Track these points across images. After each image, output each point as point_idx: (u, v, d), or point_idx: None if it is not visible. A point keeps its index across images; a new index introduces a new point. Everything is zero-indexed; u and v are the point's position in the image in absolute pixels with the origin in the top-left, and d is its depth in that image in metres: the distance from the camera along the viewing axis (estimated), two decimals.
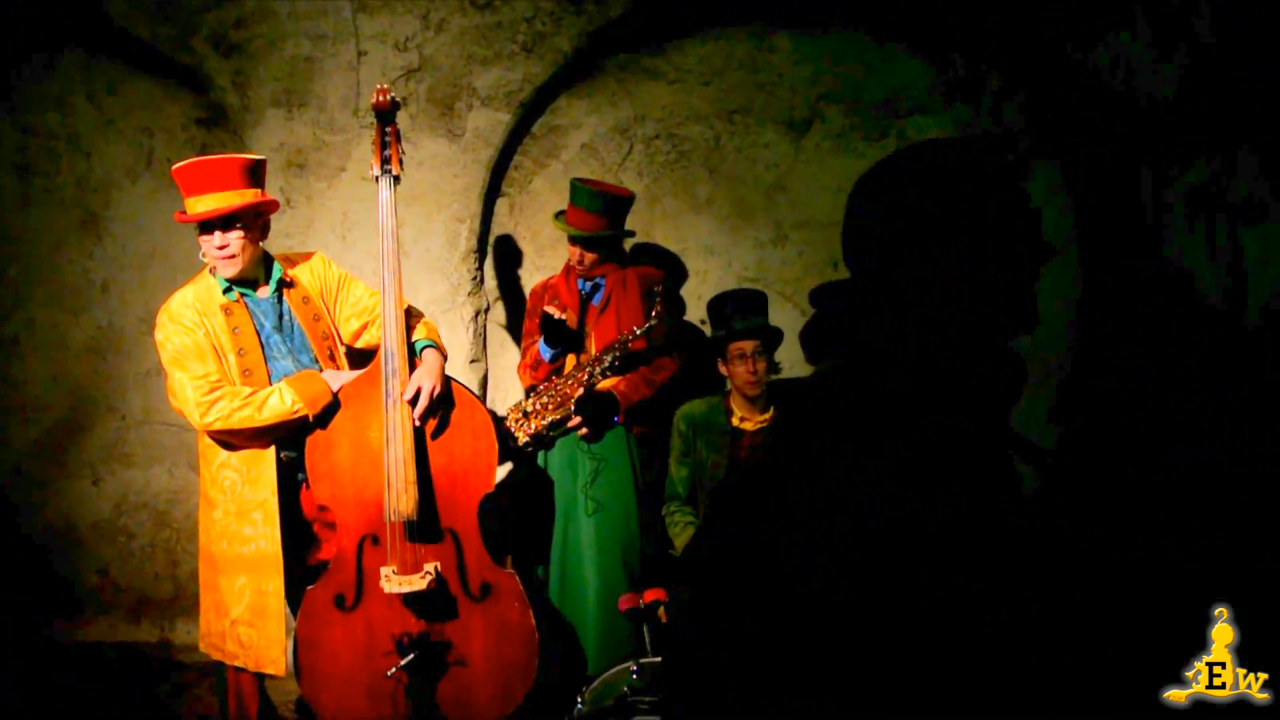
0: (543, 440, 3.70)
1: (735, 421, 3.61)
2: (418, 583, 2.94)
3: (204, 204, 2.93)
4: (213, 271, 3.05)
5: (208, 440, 3.05)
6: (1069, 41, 3.98)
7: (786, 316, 4.23)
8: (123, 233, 4.49)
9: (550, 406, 3.65)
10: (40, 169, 4.48)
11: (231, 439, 3.00)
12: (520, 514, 3.74)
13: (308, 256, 3.25)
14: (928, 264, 3.57)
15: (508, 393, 4.38)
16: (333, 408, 3.01)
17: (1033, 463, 4.30)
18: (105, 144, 4.46)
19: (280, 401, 2.92)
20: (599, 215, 3.66)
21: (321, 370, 3.08)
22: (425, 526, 3.00)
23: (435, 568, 2.98)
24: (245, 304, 3.05)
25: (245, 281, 3.07)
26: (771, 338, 3.61)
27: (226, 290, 3.04)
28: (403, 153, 3.05)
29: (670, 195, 4.39)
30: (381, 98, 2.96)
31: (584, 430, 3.64)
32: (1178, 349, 4.10)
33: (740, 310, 3.60)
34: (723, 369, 3.64)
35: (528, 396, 3.73)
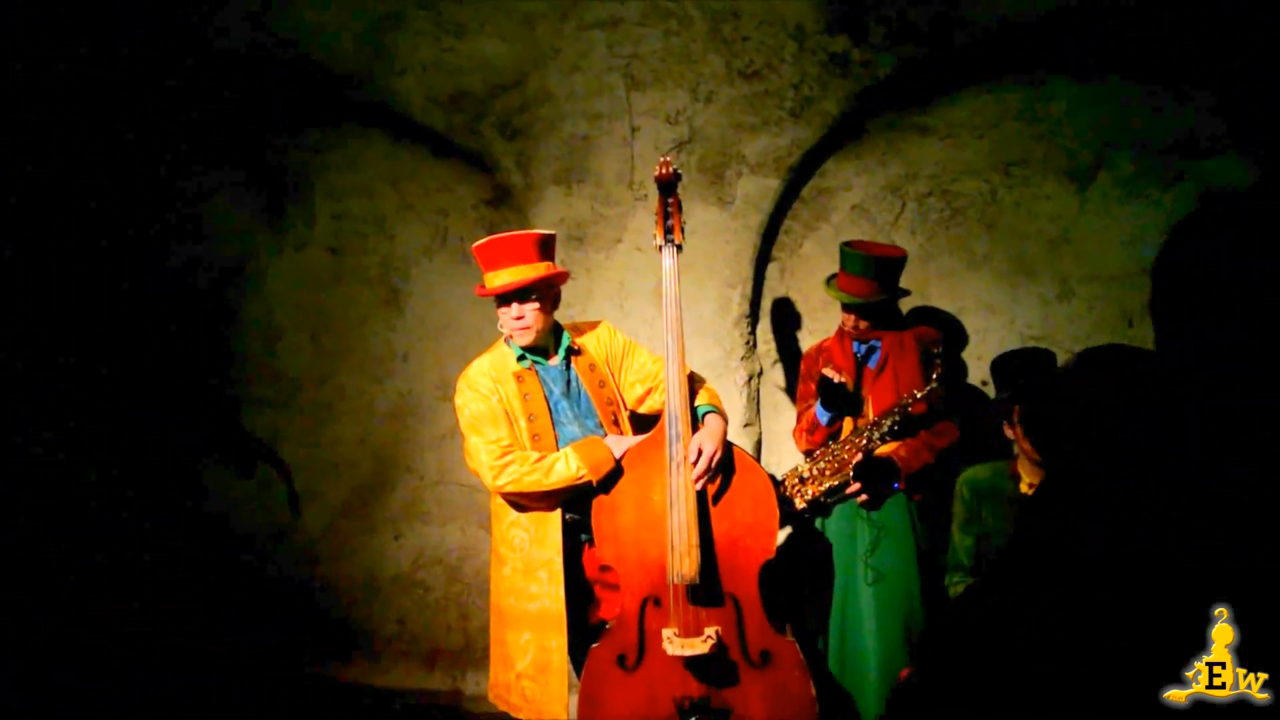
0: (820, 506, 3.65)
1: (1024, 488, 3.42)
2: (700, 646, 2.96)
3: (501, 278, 3.12)
4: (508, 341, 3.24)
5: (499, 500, 3.22)
6: None
7: None
8: (420, 307, 4.85)
9: (828, 472, 3.61)
10: (349, 249, 4.92)
11: (521, 500, 3.15)
12: (800, 581, 3.70)
13: (594, 325, 3.39)
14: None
15: (782, 457, 4.36)
16: (616, 473, 3.09)
17: None
18: (405, 225, 4.85)
19: (566, 467, 3.04)
20: (870, 279, 3.61)
21: (606, 435, 3.19)
22: (707, 590, 3.02)
23: (716, 632, 2.99)
24: (536, 372, 3.21)
25: (537, 350, 3.23)
26: None
27: (520, 358, 3.21)
28: (684, 222, 3.13)
29: (945, 253, 4.27)
30: (664, 170, 3.07)
31: (863, 497, 3.57)
32: None
33: (1028, 370, 3.44)
34: (1009, 432, 3.47)
35: (805, 462, 3.70)
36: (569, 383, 3.24)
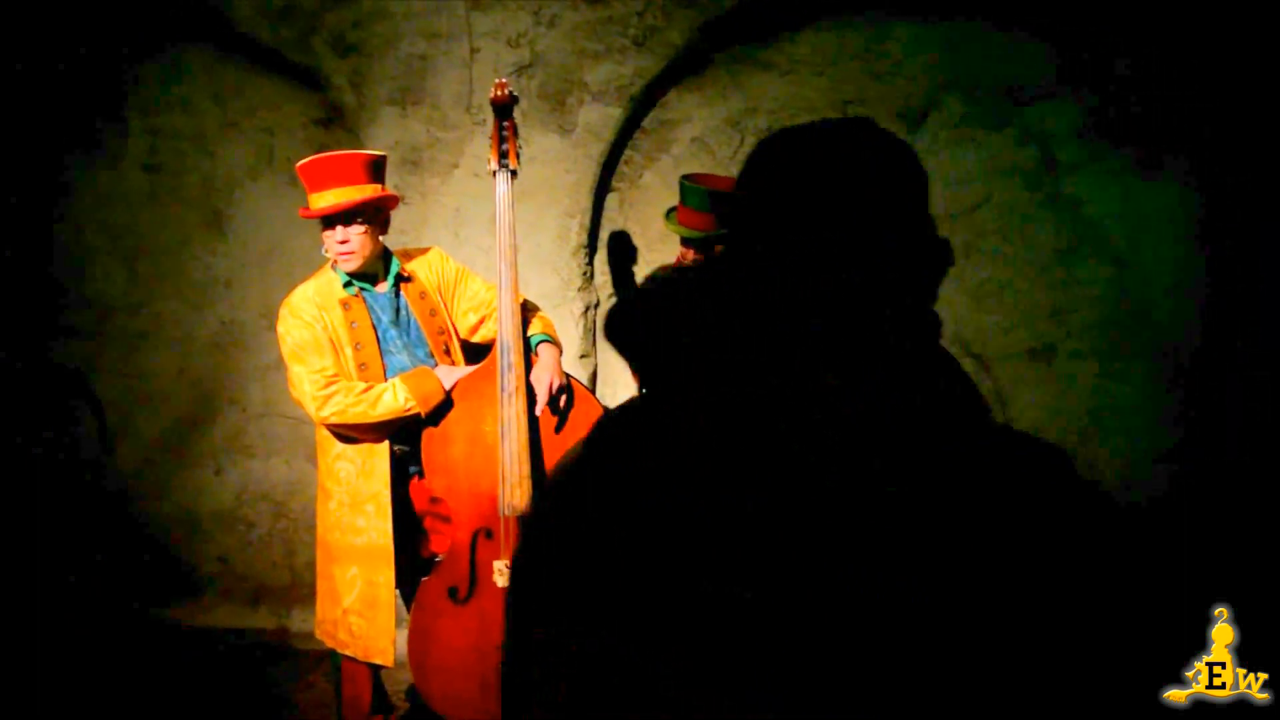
0: None
1: None
2: None
3: (326, 199, 2.98)
4: (334, 266, 3.10)
5: (325, 432, 3.11)
6: (1205, 26, 3.80)
7: None
8: (245, 230, 4.61)
9: None
10: (168, 168, 4.62)
11: (347, 432, 3.05)
12: None
13: (425, 251, 3.29)
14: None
15: (617, 389, 4.37)
16: (446, 405, 3.02)
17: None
18: (228, 144, 4.58)
19: (394, 398, 2.95)
20: (709, 213, 3.61)
21: (437, 365, 3.11)
22: None
23: None
24: (364, 299, 3.10)
25: (364, 276, 3.11)
26: None
27: (346, 285, 3.09)
28: (520, 147, 3.05)
29: None
30: (500, 92, 2.98)
31: None
32: None
33: None
34: None
35: (639, 394, 3.70)
36: (398, 310, 3.14)
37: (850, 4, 4.10)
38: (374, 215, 3.07)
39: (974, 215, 4.21)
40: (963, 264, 4.23)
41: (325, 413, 2.97)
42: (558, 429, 3.05)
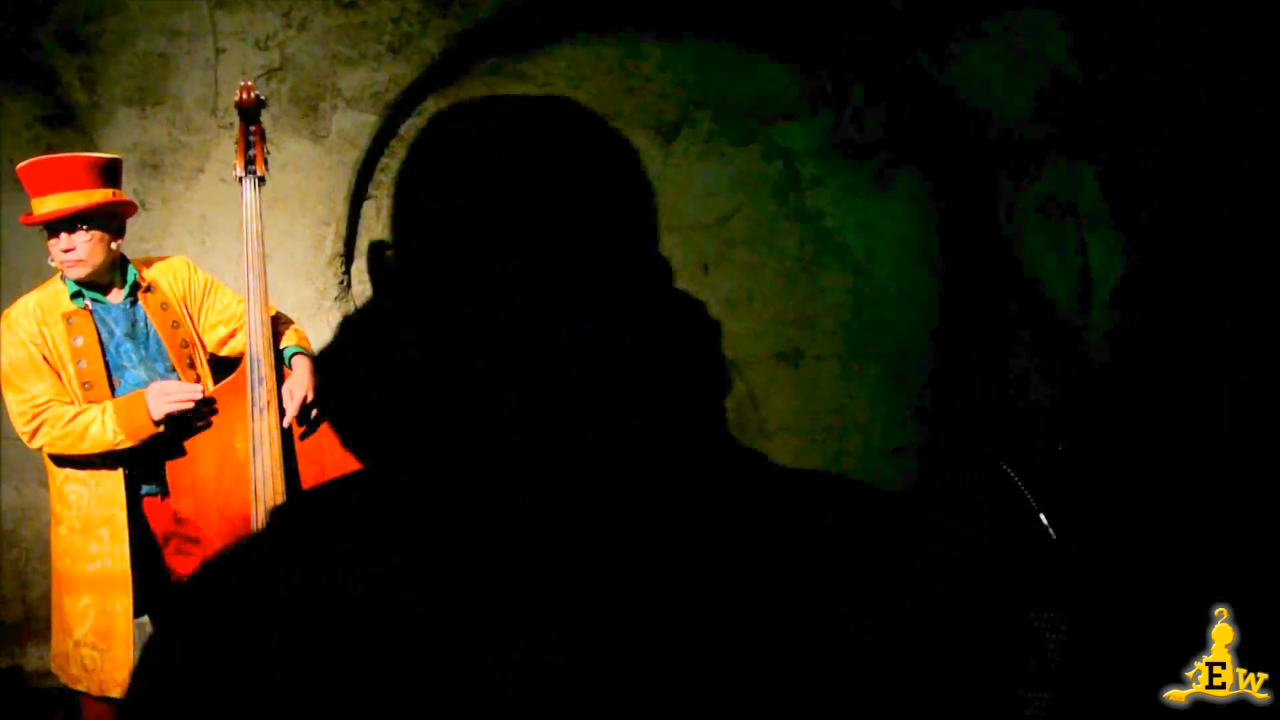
0: None
1: None
2: None
3: (48, 204, 2.80)
4: (63, 277, 2.92)
5: None
6: (925, 56, 4.15)
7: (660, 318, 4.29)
8: None
9: None
10: None
11: (70, 460, 2.88)
12: None
13: (169, 260, 3.14)
14: None
15: None
16: (160, 437, 2.84)
17: None
18: None
19: (101, 431, 2.78)
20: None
21: (180, 379, 2.97)
22: None
23: None
24: (92, 313, 2.91)
25: (97, 286, 2.94)
26: None
27: (75, 295, 2.91)
28: (268, 153, 2.97)
29: None
30: (245, 95, 2.89)
31: None
32: (1033, 352, 4.32)
33: None
34: None
35: None
36: (134, 322, 2.97)
37: (605, 22, 4.23)
38: (106, 221, 2.89)
39: (724, 226, 4.42)
40: (714, 273, 4.44)
41: (37, 444, 2.83)
42: (315, 443, 2.98)
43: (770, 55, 4.33)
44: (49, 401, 2.81)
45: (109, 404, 2.82)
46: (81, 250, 2.84)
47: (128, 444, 2.80)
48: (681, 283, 4.42)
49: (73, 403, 2.84)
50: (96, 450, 2.79)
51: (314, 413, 2.97)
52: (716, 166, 4.39)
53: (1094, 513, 4.30)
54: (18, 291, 3.47)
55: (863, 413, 4.51)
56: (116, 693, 2.92)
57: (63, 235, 2.82)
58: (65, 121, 4.16)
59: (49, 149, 4.11)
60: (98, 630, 2.92)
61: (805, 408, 4.51)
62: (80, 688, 2.96)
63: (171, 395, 2.81)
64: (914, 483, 4.46)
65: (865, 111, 4.41)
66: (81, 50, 3.89)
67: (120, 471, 2.89)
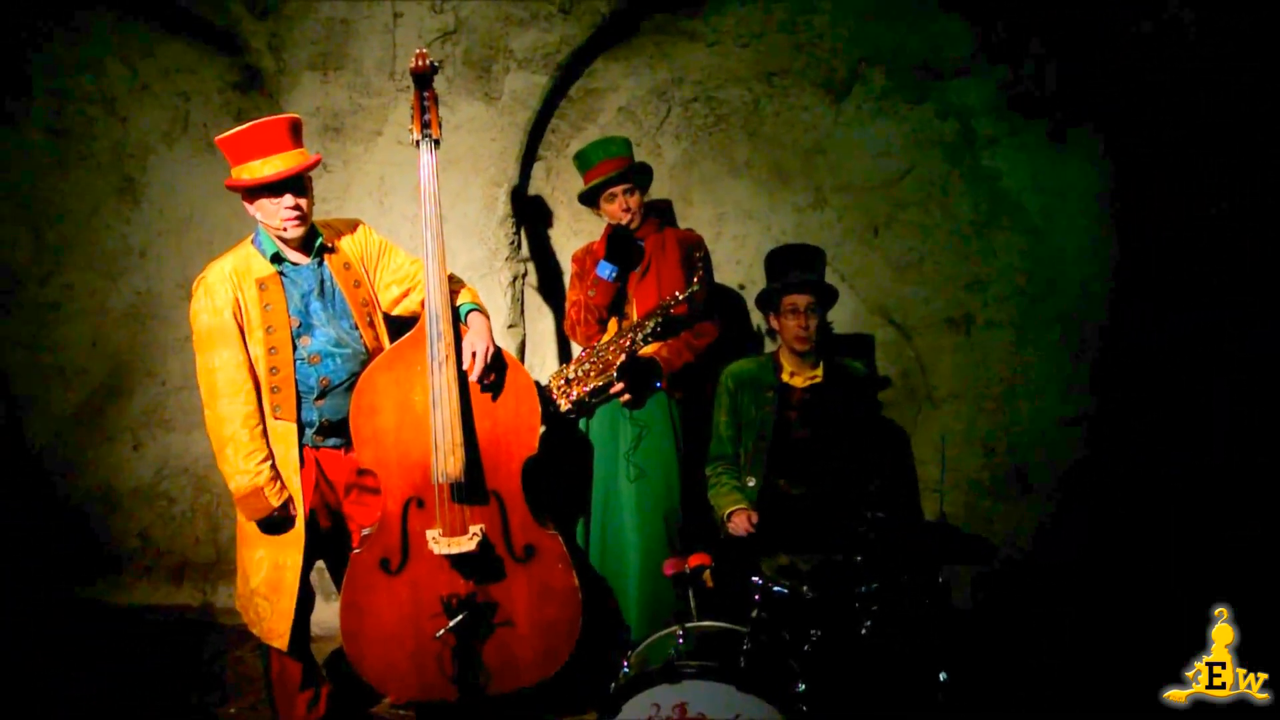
0: (585, 407, 3.68)
1: (785, 377, 3.58)
2: (466, 544, 2.95)
3: (273, 165, 2.92)
4: (255, 240, 3.06)
5: None
6: (1115, 7, 3.92)
7: (827, 281, 4.20)
8: (160, 198, 4.47)
9: (593, 373, 3.64)
10: (76, 133, 4.46)
11: None
12: (563, 477, 3.73)
13: (350, 223, 3.24)
14: None
15: (545, 358, 4.37)
16: (270, 520, 3.05)
17: None
18: (140, 108, 4.43)
19: (238, 485, 3.02)
20: (620, 155, 3.68)
21: (360, 336, 3.09)
22: (471, 489, 3.01)
23: (481, 529, 2.99)
24: (282, 280, 3.04)
25: (292, 246, 3.06)
26: (826, 294, 3.56)
27: (274, 258, 3.03)
28: (442, 117, 3.02)
29: (708, 159, 4.35)
30: (420, 62, 2.94)
31: (626, 396, 3.62)
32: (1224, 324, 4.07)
33: (797, 264, 3.55)
34: (774, 322, 3.59)
35: (570, 364, 3.71)
36: (322, 282, 3.09)
37: None
38: (310, 181, 3.03)
39: (896, 187, 4.29)
40: (884, 235, 4.31)
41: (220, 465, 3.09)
42: (490, 396, 3.05)
43: (943, 7, 4.15)
44: (249, 412, 3.03)
45: (261, 484, 3.02)
46: (305, 208, 2.97)
47: (243, 514, 3.06)
48: (851, 243, 4.31)
49: (253, 386, 3.03)
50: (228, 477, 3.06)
51: (490, 369, 3.02)
52: (889, 125, 4.24)
53: (1094, 513, 4.13)
54: (211, 249, 3.66)
55: (1035, 380, 4.32)
56: (279, 644, 3.11)
57: (287, 195, 2.95)
58: (253, 86, 4.35)
59: (239, 114, 4.31)
60: (269, 582, 3.09)
61: (975, 375, 4.35)
62: (255, 631, 3.16)
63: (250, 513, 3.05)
64: (1084, 455, 4.26)
65: (1044, 65, 4.19)
66: (269, 17, 4.04)
67: (295, 433, 3.05)
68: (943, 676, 2.78)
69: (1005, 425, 4.36)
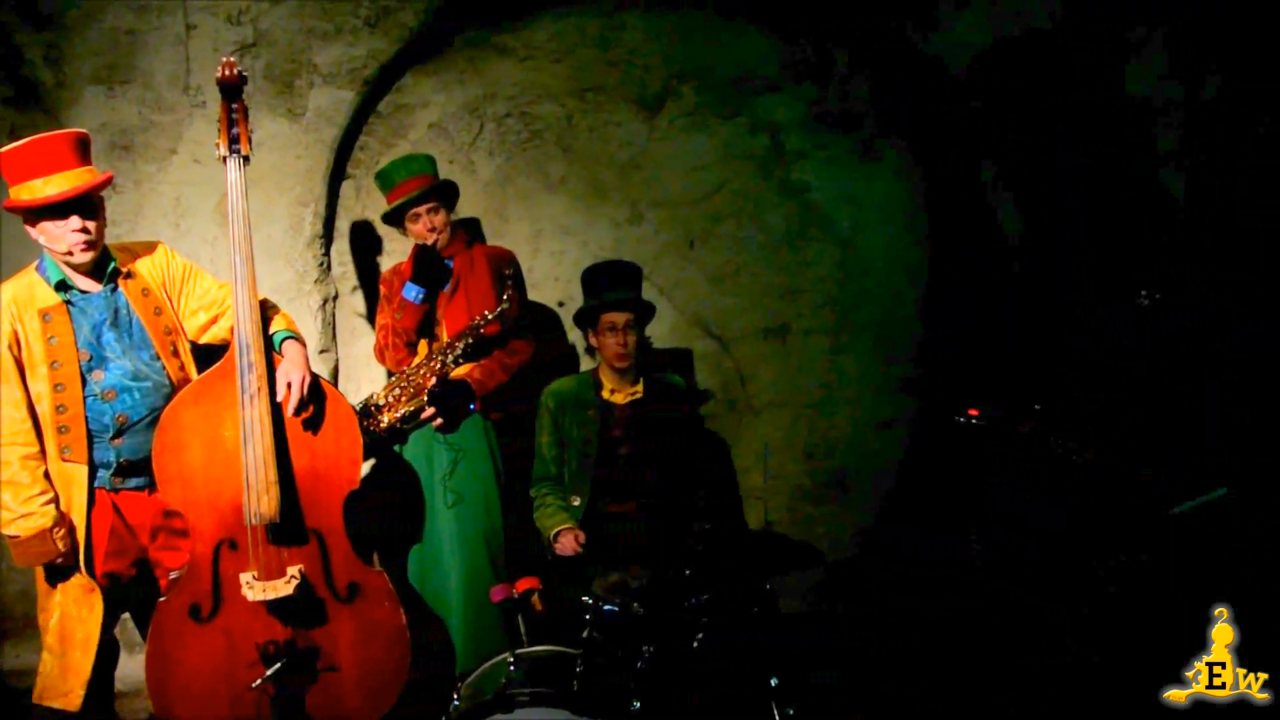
0: (397, 434, 3.57)
1: (606, 394, 3.57)
2: (283, 588, 2.80)
3: (55, 185, 2.69)
4: (40, 268, 2.83)
5: None
6: (909, 24, 4.10)
7: (645, 295, 4.22)
8: None
9: (403, 398, 3.53)
10: None
11: None
12: (386, 509, 3.61)
13: (149, 245, 3.04)
14: None
15: (360, 384, 4.21)
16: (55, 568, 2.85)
17: None
18: None
19: (21, 529, 2.78)
20: (422, 173, 3.61)
21: (163, 367, 2.90)
22: (288, 528, 2.86)
23: (300, 570, 2.84)
24: (69, 310, 2.82)
25: (80, 273, 2.85)
26: (644, 311, 3.58)
27: (59, 286, 2.81)
28: (251, 131, 2.88)
29: (524, 175, 4.31)
30: (227, 71, 2.80)
31: (439, 421, 3.53)
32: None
33: (613, 282, 3.55)
34: (593, 340, 3.58)
35: (380, 390, 3.60)
36: (116, 310, 2.88)
37: None
38: (100, 202, 2.82)
39: (711, 200, 4.37)
40: (701, 248, 4.38)
41: None
42: (308, 430, 2.91)
43: (752, 25, 4.26)
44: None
45: (46, 514, 2.79)
46: (94, 231, 2.76)
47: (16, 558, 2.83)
48: (668, 257, 4.36)
49: (33, 426, 2.79)
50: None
51: (308, 400, 2.88)
52: (702, 140, 4.32)
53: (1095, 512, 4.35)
54: None
55: (852, 386, 4.49)
56: (63, 703, 2.86)
57: (73, 217, 2.73)
58: (31, 102, 4.01)
59: (13, 131, 3.96)
60: (57, 633, 2.87)
61: (794, 383, 4.48)
62: (34, 692, 2.91)
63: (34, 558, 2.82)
64: (904, 456, 4.45)
65: (849, 82, 4.36)
66: (47, 27, 3.75)
67: (84, 476, 2.84)
68: (774, 682, 2.83)
69: (824, 431, 4.50)
